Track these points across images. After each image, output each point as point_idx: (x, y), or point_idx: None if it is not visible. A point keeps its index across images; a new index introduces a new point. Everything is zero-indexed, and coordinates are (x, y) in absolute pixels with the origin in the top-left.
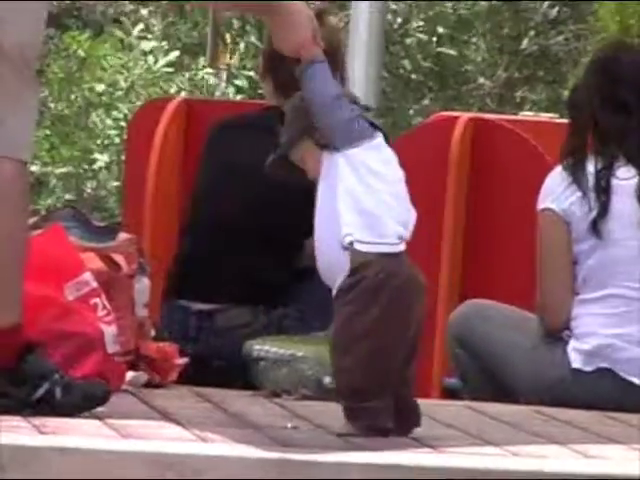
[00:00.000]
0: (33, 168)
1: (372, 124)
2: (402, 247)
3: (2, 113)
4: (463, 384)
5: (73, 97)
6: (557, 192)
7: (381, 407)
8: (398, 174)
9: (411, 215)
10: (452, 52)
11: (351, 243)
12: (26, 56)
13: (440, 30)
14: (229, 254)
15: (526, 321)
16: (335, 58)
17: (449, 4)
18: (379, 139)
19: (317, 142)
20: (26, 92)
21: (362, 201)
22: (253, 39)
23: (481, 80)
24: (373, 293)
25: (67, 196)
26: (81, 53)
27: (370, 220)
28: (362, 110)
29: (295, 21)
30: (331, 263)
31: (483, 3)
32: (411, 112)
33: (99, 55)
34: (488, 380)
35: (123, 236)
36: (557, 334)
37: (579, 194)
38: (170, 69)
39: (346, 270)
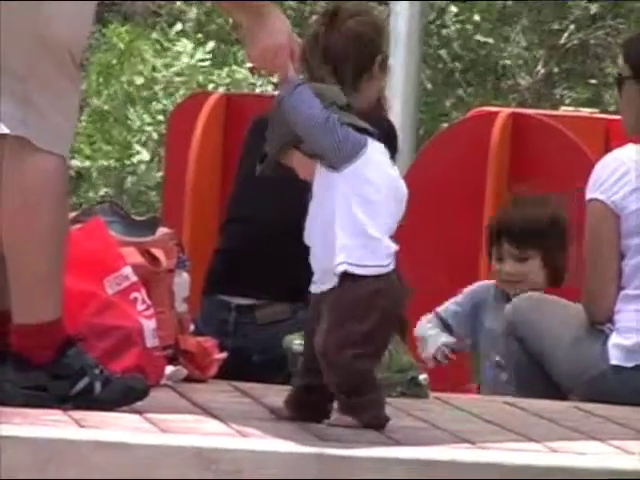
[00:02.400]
0: (74, 162)
1: (360, 128)
2: (392, 266)
3: (45, 108)
4: (512, 374)
5: (112, 91)
6: (608, 183)
7: (379, 399)
8: (391, 176)
9: (402, 208)
10: (489, 40)
11: (345, 272)
12: (72, 51)
13: (477, 18)
14: (269, 249)
15: (575, 314)
16: (380, 48)
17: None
18: (371, 144)
19: (304, 152)
20: (69, 87)
21: (359, 222)
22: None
23: (520, 75)
24: (364, 308)
25: (106, 190)
26: (121, 46)
27: (365, 241)
28: (347, 115)
29: (275, 26)
30: (324, 269)
31: None
32: (449, 106)
33: (139, 49)
34: (537, 372)
35: (162, 230)
36: (600, 325)
37: (633, 187)
38: (206, 63)
39: (335, 280)
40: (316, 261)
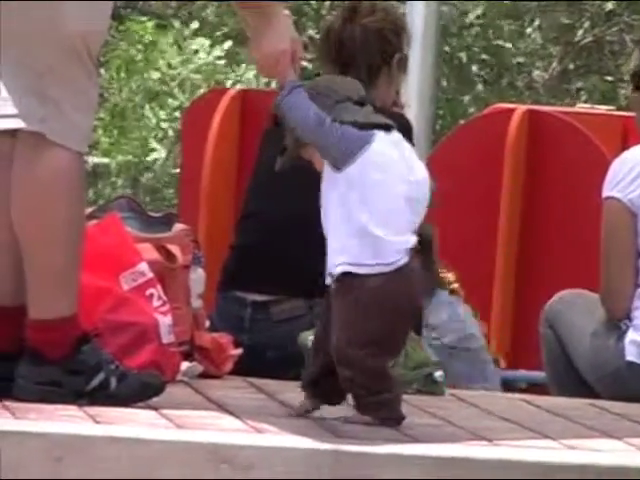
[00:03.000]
0: (91, 158)
1: (365, 125)
2: (401, 262)
3: (63, 104)
4: (546, 366)
5: (135, 86)
6: (625, 181)
7: (395, 397)
8: (399, 172)
9: (420, 208)
10: (509, 45)
11: (344, 272)
12: (89, 47)
13: (496, 21)
14: (284, 245)
15: (598, 309)
16: (398, 46)
17: None
18: (376, 142)
19: None
20: (87, 83)
21: (359, 221)
22: (311, 32)
23: (536, 72)
24: (370, 306)
25: (123, 185)
26: (146, 40)
27: (365, 240)
28: (357, 111)
29: (281, 30)
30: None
31: None
32: (465, 103)
33: (160, 44)
34: (568, 366)
35: (178, 227)
36: (617, 322)
37: None
38: (223, 61)
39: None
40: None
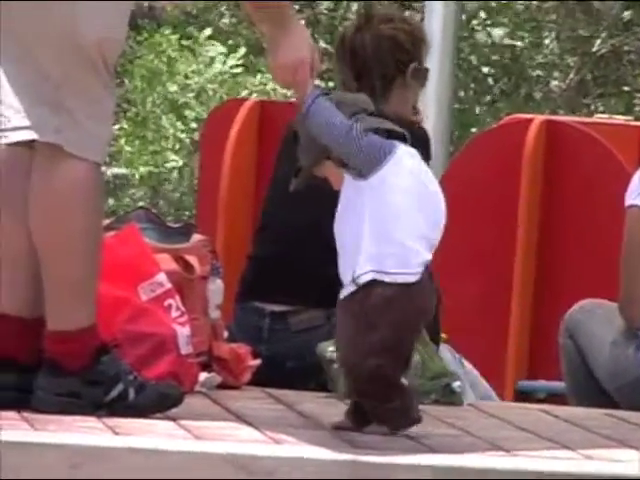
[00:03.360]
0: (111, 169)
1: (388, 133)
2: (420, 275)
3: (78, 114)
4: (565, 376)
5: (156, 97)
6: None
7: (402, 405)
8: (424, 179)
9: (440, 216)
10: (519, 43)
11: (371, 280)
12: (105, 57)
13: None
14: (303, 256)
15: (617, 318)
16: (413, 56)
17: (520, 6)
18: (400, 149)
19: (335, 161)
20: (103, 93)
21: (387, 230)
22: (322, 43)
23: (553, 82)
24: (381, 315)
25: (143, 197)
26: (171, 53)
27: (393, 249)
28: (376, 120)
29: (297, 42)
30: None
31: (555, 4)
32: (482, 113)
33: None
34: (590, 376)
35: (197, 237)
36: (637, 330)
37: None
38: (239, 70)
39: (353, 287)
40: (345, 267)
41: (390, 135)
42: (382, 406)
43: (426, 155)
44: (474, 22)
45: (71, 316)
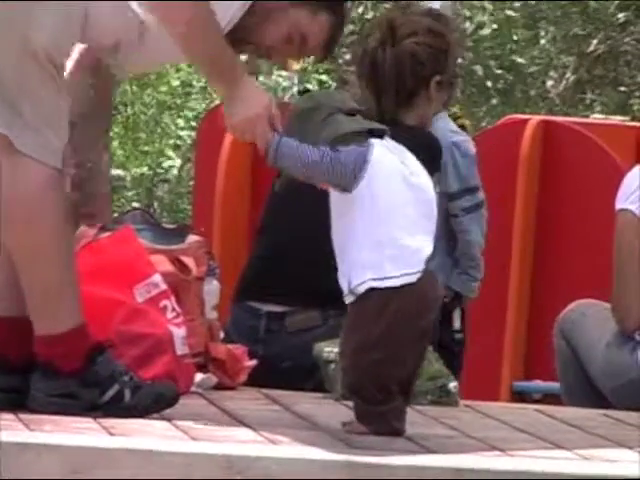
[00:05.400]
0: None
1: (362, 132)
2: (421, 272)
3: (32, 117)
4: (560, 377)
5: (148, 99)
6: (637, 193)
7: (390, 410)
8: (402, 177)
9: (431, 204)
10: (523, 61)
11: (370, 289)
12: (55, 62)
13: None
14: (299, 256)
15: (610, 320)
16: (437, 69)
17: (517, 4)
18: (375, 150)
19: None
20: (56, 97)
21: (383, 233)
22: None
23: (550, 82)
24: (380, 309)
25: (137, 198)
26: None
27: (393, 250)
28: (344, 126)
29: (252, 98)
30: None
31: (551, 4)
32: (480, 114)
33: None
34: (584, 376)
35: (192, 238)
36: (629, 334)
37: None
38: None
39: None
40: (340, 275)
41: (368, 132)
42: (368, 407)
43: (436, 164)
44: (468, 25)
45: (53, 320)
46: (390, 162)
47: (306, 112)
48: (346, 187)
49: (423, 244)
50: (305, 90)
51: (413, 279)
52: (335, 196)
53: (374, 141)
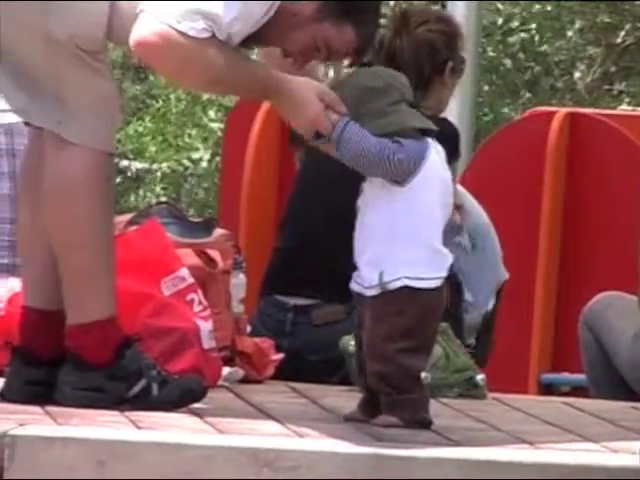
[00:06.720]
0: (134, 164)
1: (422, 130)
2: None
3: (74, 104)
4: (587, 370)
5: (179, 92)
6: None
7: (419, 399)
8: (445, 175)
9: (450, 208)
10: (549, 48)
11: (405, 286)
12: (85, 49)
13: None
14: (325, 250)
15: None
16: (450, 55)
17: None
18: (429, 151)
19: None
20: (95, 80)
21: (422, 235)
22: None
23: (577, 74)
24: (409, 304)
25: (165, 191)
26: None
27: (427, 253)
28: (412, 115)
29: (300, 101)
30: (371, 275)
31: None
32: (507, 107)
33: None
34: (609, 367)
35: (219, 232)
36: None
37: None
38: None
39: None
40: (364, 266)
41: (422, 133)
42: (397, 395)
43: (456, 151)
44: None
45: (86, 308)
46: (438, 164)
47: (372, 91)
48: (400, 180)
49: (448, 251)
50: (368, 63)
51: (439, 283)
52: (376, 188)
53: (430, 141)
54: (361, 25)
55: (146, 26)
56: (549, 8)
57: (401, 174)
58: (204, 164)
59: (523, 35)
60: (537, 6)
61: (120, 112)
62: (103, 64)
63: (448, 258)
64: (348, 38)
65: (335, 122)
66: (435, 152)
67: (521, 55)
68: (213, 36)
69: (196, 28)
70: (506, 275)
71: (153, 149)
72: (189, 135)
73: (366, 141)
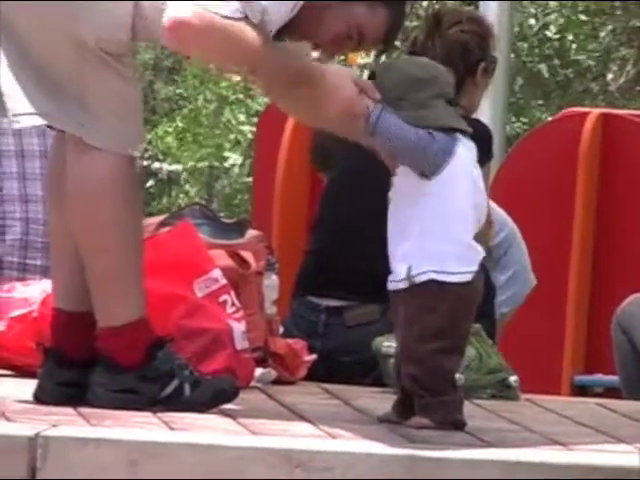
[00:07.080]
0: (165, 165)
1: (453, 130)
2: (475, 273)
3: (99, 109)
4: (619, 371)
5: (209, 94)
6: None
7: (453, 401)
8: (476, 174)
9: (483, 209)
10: (583, 57)
11: (431, 280)
12: (111, 53)
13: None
14: (358, 251)
15: None
16: (483, 55)
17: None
18: (460, 147)
19: (386, 160)
20: (121, 86)
21: (452, 229)
22: None
23: (610, 75)
24: (438, 301)
25: (197, 193)
26: None
27: (458, 248)
28: (447, 112)
29: (334, 86)
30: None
31: None
32: (540, 109)
33: None
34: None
35: (251, 233)
36: None
37: None
38: None
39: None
40: (395, 260)
41: (453, 131)
42: (430, 398)
43: (488, 152)
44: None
45: (115, 311)
46: (468, 161)
47: (417, 81)
48: (427, 173)
49: (479, 247)
50: (411, 52)
51: (469, 278)
52: (407, 177)
53: (461, 137)
54: (392, 8)
55: (181, 8)
56: (583, 18)
57: (431, 165)
58: (237, 169)
59: (558, 43)
60: (572, 17)
61: (142, 115)
62: (127, 67)
63: (479, 253)
64: (380, 22)
65: (369, 107)
66: (464, 148)
67: (556, 62)
68: (247, 19)
69: (231, 9)
70: (534, 282)
71: (184, 151)
72: (220, 137)
73: (401, 128)
